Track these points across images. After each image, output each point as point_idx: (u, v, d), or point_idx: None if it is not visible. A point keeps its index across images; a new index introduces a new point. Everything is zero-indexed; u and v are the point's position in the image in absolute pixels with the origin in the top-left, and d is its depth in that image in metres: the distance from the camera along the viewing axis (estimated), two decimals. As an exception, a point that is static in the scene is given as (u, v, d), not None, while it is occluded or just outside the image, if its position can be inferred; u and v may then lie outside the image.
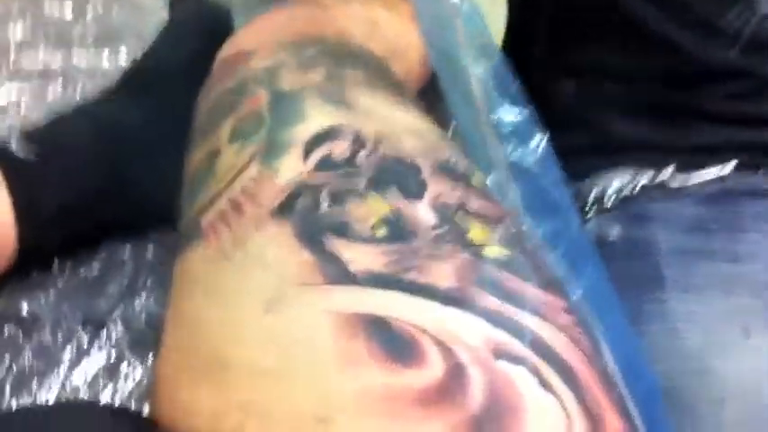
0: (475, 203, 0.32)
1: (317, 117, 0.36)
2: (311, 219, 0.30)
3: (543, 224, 0.39)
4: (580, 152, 0.63)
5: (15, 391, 0.40)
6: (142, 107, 0.51)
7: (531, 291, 0.28)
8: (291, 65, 0.40)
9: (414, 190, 0.32)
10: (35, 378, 0.41)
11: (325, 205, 0.30)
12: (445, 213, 0.30)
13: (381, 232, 0.29)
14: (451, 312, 0.26)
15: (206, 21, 0.55)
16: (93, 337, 0.43)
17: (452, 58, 0.43)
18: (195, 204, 0.35)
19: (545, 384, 0.24)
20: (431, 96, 0.44)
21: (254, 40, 0.44)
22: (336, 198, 0.31)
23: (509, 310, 0.26)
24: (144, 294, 0.46)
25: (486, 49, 0.43)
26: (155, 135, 0.50)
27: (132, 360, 0.42)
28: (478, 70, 0.42)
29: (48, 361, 0.42)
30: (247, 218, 0.32)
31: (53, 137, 0.49)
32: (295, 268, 0.28)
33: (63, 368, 0.42)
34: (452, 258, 0.28)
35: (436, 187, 0.32)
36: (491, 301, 0.26)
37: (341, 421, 0.23)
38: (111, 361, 0.42)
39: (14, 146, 0.46)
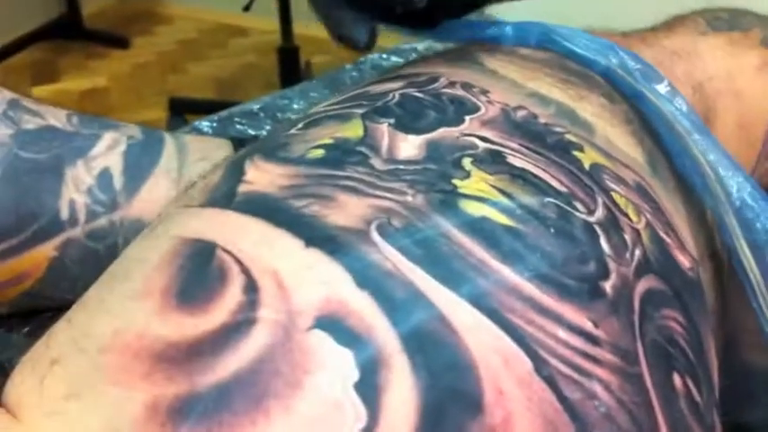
0: (531, 165, 0.28)
1: None
2: (265, 139, 0.30)
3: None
4: None
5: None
6: None
7: (493, 272, 0.23)
8: None
9: (423, 122, 0.29)
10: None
11: (297, 126, 0.30)
12: (441, 153, 0.27)
13: (316, 153, 0.27)
14: (309, 256, 0.22)
15: None
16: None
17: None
18: None
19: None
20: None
21: None
22: (315, 121, 0.30)
23: (413, 278, 0.22)
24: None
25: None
26: None
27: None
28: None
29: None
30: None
31: None
32: (200, 188, 0.28)
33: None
34: (387, 195, 0.25)
35: (473, 127, 0.29)
36: (391, 260, 0.22)
37: (71, 361, 0.22)
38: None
39: None
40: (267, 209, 0.24)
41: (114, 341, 0.22)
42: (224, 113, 0.69)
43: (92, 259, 0.47)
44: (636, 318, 0.25)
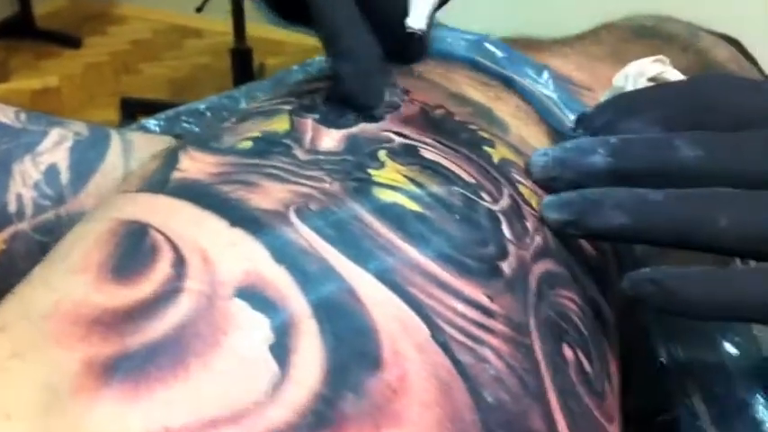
0: (442, 158, 0.30)
1: None
2: (200, 132, 0.31)
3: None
4: None
5: None
6: None
7: (399, 251, 0.25)
8: None
9: (345, 118, 0.31)
10: None
11: (231, 120, 0.33)
12: (360, 145, 0.30)
13: (245, 145, 0.30)
14: (233, 235, 0.25)
15: None
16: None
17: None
18: None
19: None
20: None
21: None
22: (248, 116, 0.33)
23: (326, 255, 0.25)
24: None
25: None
26: None
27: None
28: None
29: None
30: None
31: None
32: (138, 176, 0.31)
33: None
34: (307, 183, 0.27)
35: (392, 124, 0.31)
36: (306, 239, 0.25)
37: (16, 327, 0.24)
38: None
39: None
40: (196, 193, 0.27)
41: (55, 310, 0.24)
42: (170, 112, 0.71)
43: (39, 252, 0.48)
44: (531, 295, 0.28)
